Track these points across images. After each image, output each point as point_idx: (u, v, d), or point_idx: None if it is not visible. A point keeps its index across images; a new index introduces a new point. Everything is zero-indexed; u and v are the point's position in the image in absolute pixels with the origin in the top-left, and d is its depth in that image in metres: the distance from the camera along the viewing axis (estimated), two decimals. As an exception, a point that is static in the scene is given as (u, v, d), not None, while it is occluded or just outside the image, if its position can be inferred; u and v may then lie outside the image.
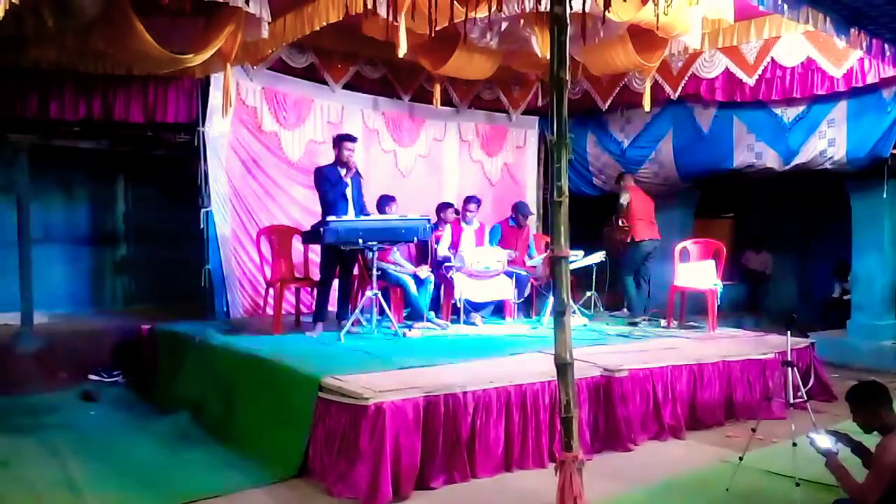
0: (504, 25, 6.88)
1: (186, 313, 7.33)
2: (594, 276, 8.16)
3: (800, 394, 4.49)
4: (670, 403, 5.47)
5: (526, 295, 7.94)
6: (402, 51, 5.90)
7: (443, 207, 7.86)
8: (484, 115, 9.80)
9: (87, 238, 9.17)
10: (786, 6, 4.99)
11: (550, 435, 4.74)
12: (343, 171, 6.36)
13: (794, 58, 7.64)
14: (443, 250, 7.51)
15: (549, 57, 3.56)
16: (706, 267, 7.42)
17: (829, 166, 7.97)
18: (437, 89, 8.21)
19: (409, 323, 6.82)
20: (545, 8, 5.63)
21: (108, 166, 8.94)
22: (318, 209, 6.53)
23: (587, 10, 5.04)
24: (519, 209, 8.25)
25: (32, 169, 7.31)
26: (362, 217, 6.41)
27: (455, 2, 5.38)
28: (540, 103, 9.62)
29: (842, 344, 8.12)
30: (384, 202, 7.12)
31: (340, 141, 6.45)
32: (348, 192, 6.37)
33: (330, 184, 6.33)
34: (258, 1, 5.40)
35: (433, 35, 5.51)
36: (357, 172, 6.47)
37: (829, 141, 7.86)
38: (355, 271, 6.81)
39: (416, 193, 8.59)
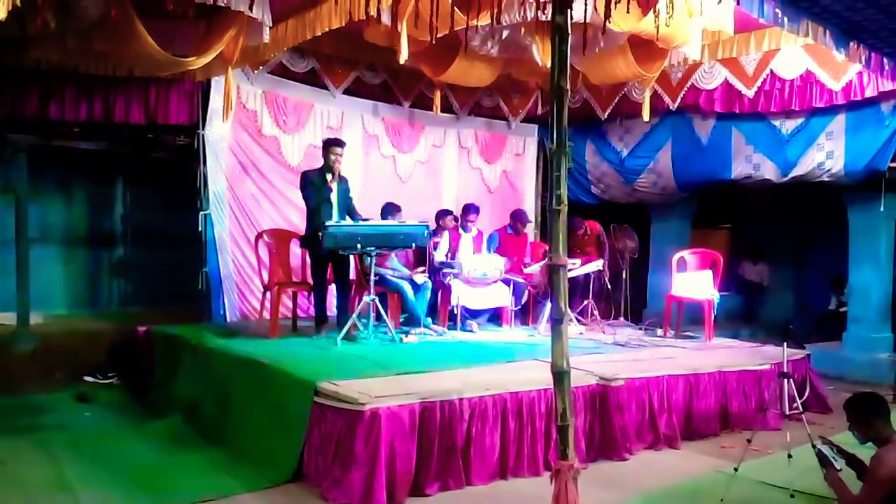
0: (505, 34, 6.90)
1: (183, 316, 7.31)
2: (591, 285, 8.16)
3: (795, 405, 4.51)
4: (666, 413, 5.47)
5: (523, 302, 7.95)
6: (404, 57, 5.91)
7: (442, 214, 7.87)
8: (483, 123, 9.81)
9: (84, 239, 9.15)
10: (786, 19, 5.02)
11: (546, 443, 4.74)
12: (329, 177, 6.33)
13: (794, 70, 7.66)
14: (439, 256, 7.52)
15: (549, 65, 3.58)
16: (703, 277, 7.44)
17: (826, 179, 7.99)
18: (438, 96, 8.24)
19: (406, 329, 6.81)
20: (546, 17, 5.65)
21: (107, 168, 8.93)
22: (317, 214, 6.53)
23: (588, 19, 5.06)
24: (518, 217, 8.28)
25: (31, 169, 7.30)
26: (361, 222, 6.41)
27: (456, 9, 5.40)
28: (539, 111, 9.64)
29: (838, 356, 8.13)
30: (389, 211, 7.11)
31: (329, 145, 6.42)
32: (333, 197, 6.33)
33: (314, 189, 6.31)
34: (260, 5, 5.41)
35: (434, 42, 5.52)
36: (342, 178, 6.46)
37: (828, 153, 7.88)
38: (352, 276, 6.81)
39: (414, 199, 8.58)
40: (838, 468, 3.42)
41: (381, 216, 7.07)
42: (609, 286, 8.36)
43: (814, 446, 3.54)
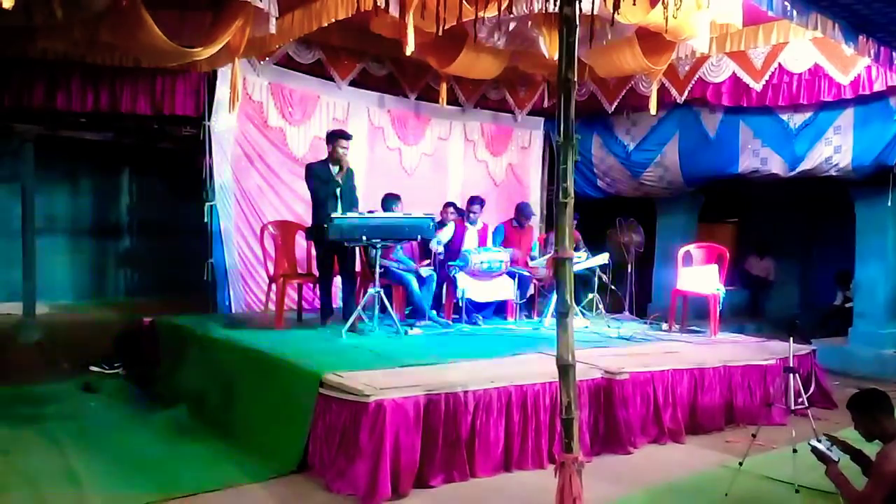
0: (512, 25, 6.87)
1: (188, 307, 7.33)
2: (597, 278, 8.15)
3: (800, 400, 4.51)
4: (671, 407, 5.47)
5: (528, 295, 7.94)
6: (410, 49, 5.89)
7: (445, 207, 7.85)
8: (489, 115, 9.79)
9: (90, 229, 9.19)
10: (795, 12, 4.99)
11: (550, 436, 4.74)
12: (335, 170, 6.32)
13: (802, 64, 7.61)
14: (435, 245, 7.40)
15: (556, 58, 3.56)
16: (709, 271, 7.41)
17: (834, 173, 7.96)
18: (444, 88, 8.22)
19: (411, 321, 6.81)
20: (554, 9, 5.62)
21: (113, 158, 8.96)
22: (323, 206, 6.52)
23: (596, 11, 5.03)
24: (521, 210, 8.25)
25: (38, 159, 7.32)
26: (367, 214, 6.40)
27: (464, 1, 5.38)
28: (546, 104, 9.61)
29: (843, 352, 8.12)
30: (390, 201, 7.10)
31: (334, 138, 6.40)
32: (339, 190, 6.31)
33: (320, 181, 6.29)
34: (267, -4, 5.40)
35: (441, 34, 5.50)
36: (349, 170, 6.44)
37: (835, 148, 7.85)
38: (357, 268, 6.81)
39: (420, 192, 8.58)
40: (836, 459, 3.41)
41: (382, 207, 7.05)
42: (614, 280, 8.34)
43: (809, 443, 3.52)
